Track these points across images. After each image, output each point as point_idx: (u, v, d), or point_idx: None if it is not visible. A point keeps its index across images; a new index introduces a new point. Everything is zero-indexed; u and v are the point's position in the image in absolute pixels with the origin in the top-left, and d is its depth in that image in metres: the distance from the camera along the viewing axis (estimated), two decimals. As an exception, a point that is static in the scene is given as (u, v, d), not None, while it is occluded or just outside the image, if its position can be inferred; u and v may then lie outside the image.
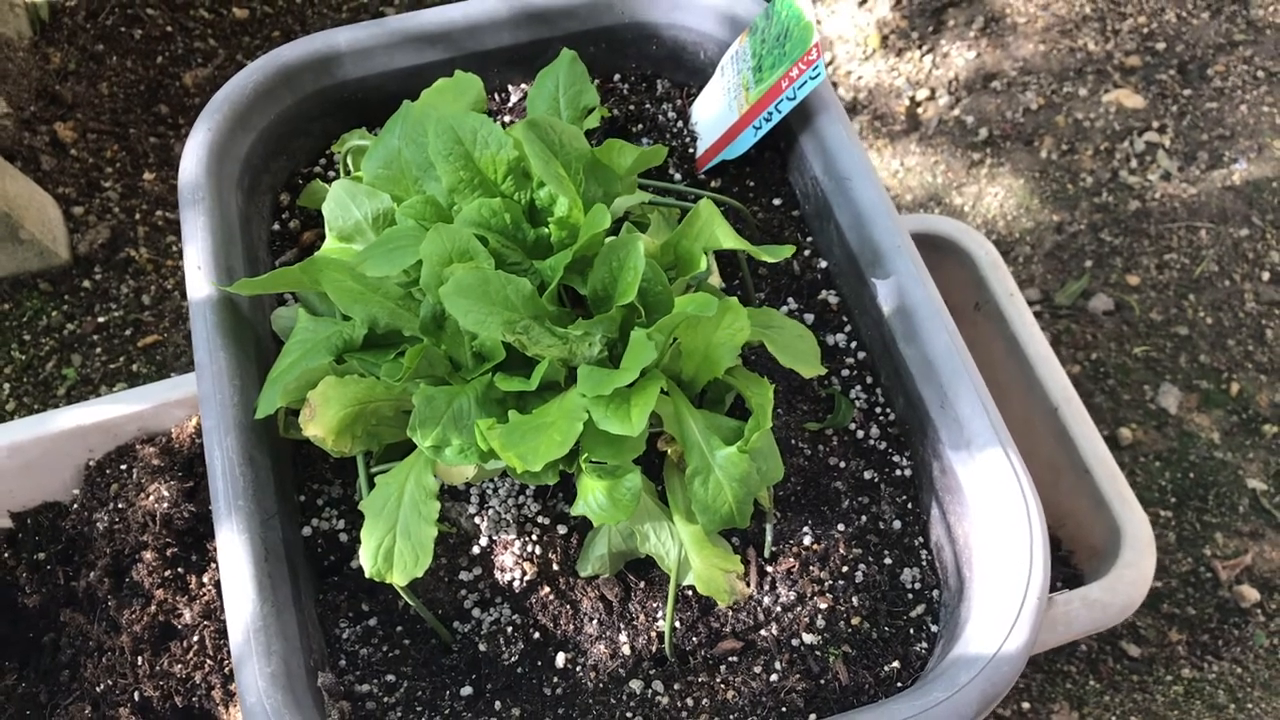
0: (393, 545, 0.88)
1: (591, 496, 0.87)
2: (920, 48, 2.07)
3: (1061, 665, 1.56)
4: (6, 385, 1.71)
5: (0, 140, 1.87)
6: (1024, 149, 1.96)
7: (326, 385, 0.90)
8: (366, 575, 0.87)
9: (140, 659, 1.21)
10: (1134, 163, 1.93)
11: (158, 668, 1.21)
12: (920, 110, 2.02)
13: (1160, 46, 2.03)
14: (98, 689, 1.22)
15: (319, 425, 0.88)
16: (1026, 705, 1.52)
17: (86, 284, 1.79)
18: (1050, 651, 1.57)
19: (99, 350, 1.74)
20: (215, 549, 1.25)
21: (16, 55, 1.97)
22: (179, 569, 1.25)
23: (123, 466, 1.31)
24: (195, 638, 1.21)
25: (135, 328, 1.76)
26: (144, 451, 1.29)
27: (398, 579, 0.87)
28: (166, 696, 1.20)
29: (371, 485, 0.93)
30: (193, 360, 1.75)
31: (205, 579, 1.24)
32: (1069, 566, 1.36)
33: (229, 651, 1.22)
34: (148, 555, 1.24)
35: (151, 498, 1.25)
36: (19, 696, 1.25)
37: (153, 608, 1.22)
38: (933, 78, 2.04)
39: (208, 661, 1.21)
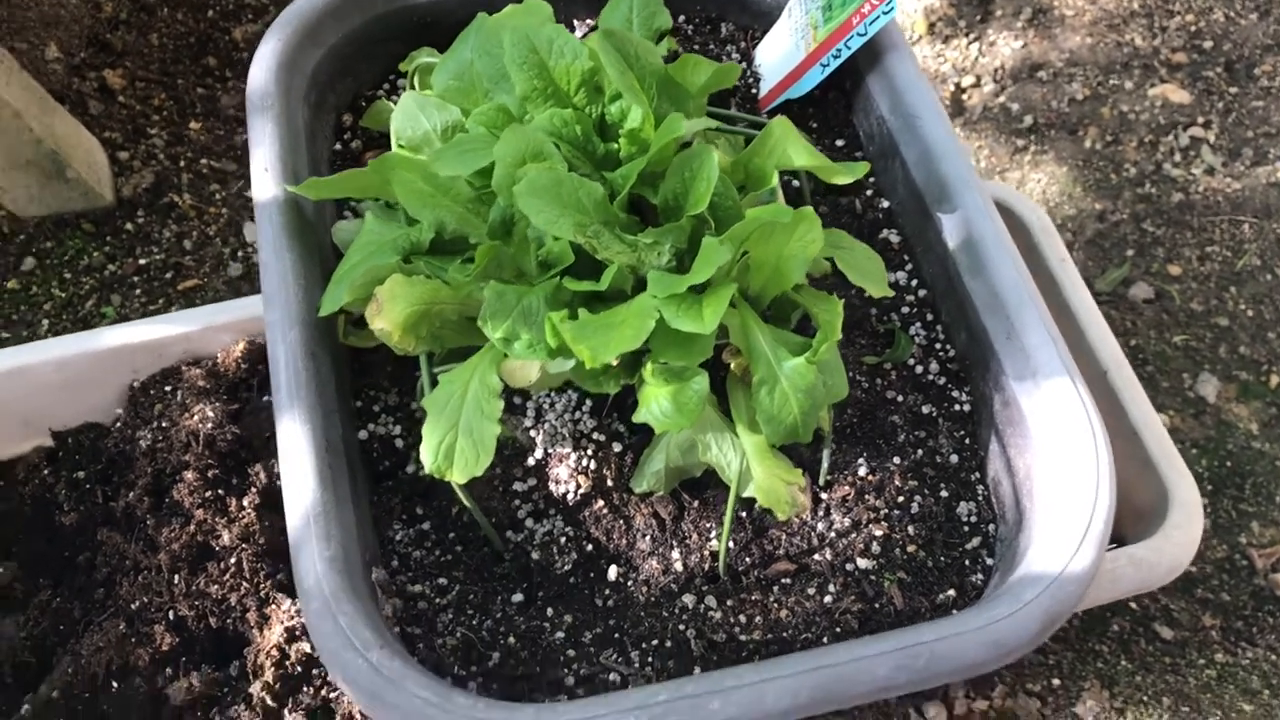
0: (454, 442, 0.87)
1: (655, 404, 0.87)
2: (967, 36, 2.08)
3: (1093, 644, 1.54)
4: (46, 321, 1.71)
5: (50, 84, 1.87)
6: (1068, 138, 1.96)
7: (394, 282, 0.90)
8: (426, 471, 0.87)
9: (176, 578, 1.20)
10: (1178, 156, 1.92)
11: (194, 587, 1.20)
12: (965, 96, 2.02)
13: (1207, 45, 2.03)
14: (132, 606, 1.21)
15: (386, 319, 0.88)
16: (1057, 682, 1.50)
17: (129, 226, 1.79)
18: (1081, 630, 1.56)
19: (138, 291, 1.74)
20: (256, 473, 1.25)
21: (69, 2, 1.98)
22: (219, 490, 1.24)
23: (167, 388, 1.30)
24: (232, 560, 1.21)
25: (175, 271, 1.76)
26: (189, 374, 1.29)
27: (457, 476, 0.87)
28: (201, 616, 1.19)
29: (434, 384, 0.93)
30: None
31: (245, 502, 1.23)
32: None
33: (266, 575, 1.22)
34: (189, 475, 1.24)
35: (195, 418, 1.25)
36: (53, 611, 1.24)
37: (191, 528, 1.22)
38: (979, 65, 2.05)
39: (244, 584, 1.20)
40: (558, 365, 0.88)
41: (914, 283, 1.08)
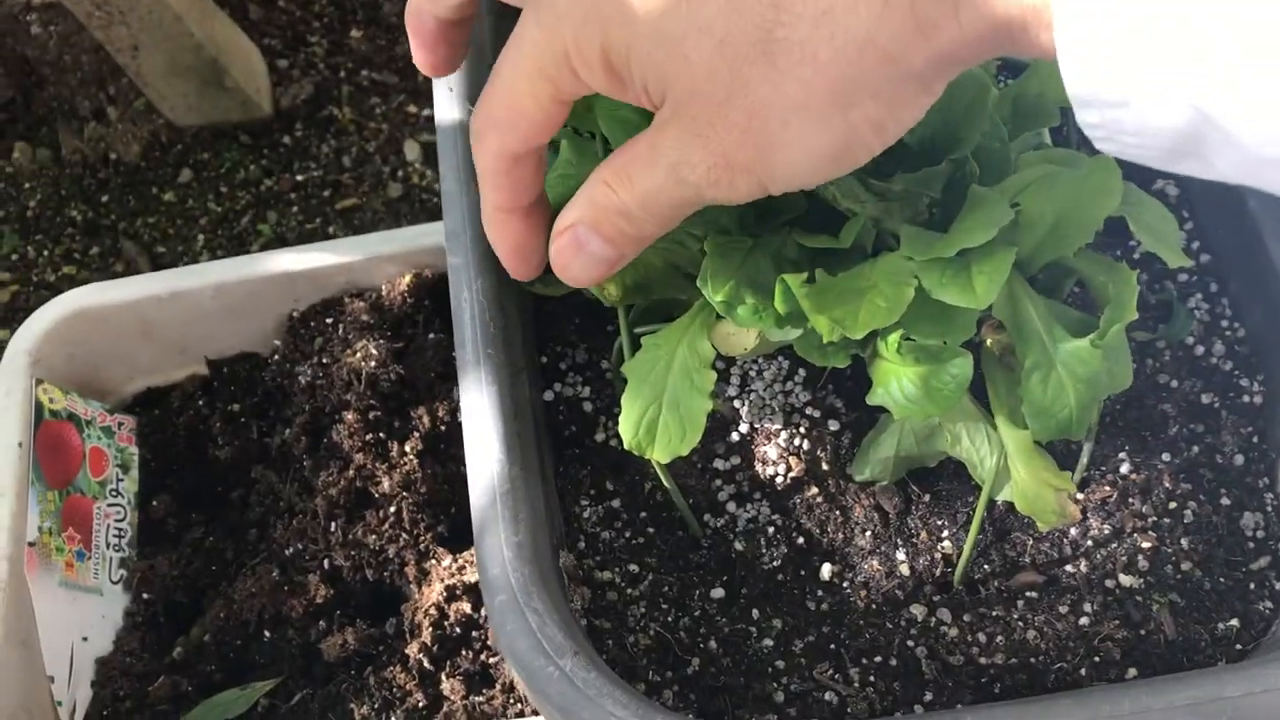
0: (658, 416, 0.75)
1: (896, 384, 0.73)
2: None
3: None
4: (201, 236, 1.65)
5: (210, -14, 1.80)
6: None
7: (597, 225, 0.77)
8: (625, 447, 0.75)
9: (333, 525, 1.13)
10: None
11: (350, 536, 1.12)
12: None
13: None
14: (286, 551, 1.14)
15: (588, 268, 0.76)
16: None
17: (287, 140, 1.72)
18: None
19: (295, 209, 1.67)
20: (419, 417, 1.16)
21: (231, -100, 1.89)
22: (380, 434, 1.16)
23: (328, 320, 1.22)
24: (392, 509, 1.13)
25: (334, 189, 1.68)
26: (352, 306, 1.21)
27: (659, 455, 0.75)
28: (357, 568, 1.12)
29: (635, 348, 0.81)
30: (390, 228, 1.67)
31: (407, 447, 1.15)
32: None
33: (426, 527, 1.13)
34: (349, 416, 1.16)
35: (359, 354, 1.16)
36: (206, 550, 1.18)
37: (350, 472, 1.14)
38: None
39: (403, 535, 1.12)
40: (782, 334, 0.75)
41: (1195, 245, 0.91)
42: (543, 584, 0.72)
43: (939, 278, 0.68)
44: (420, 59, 0.72)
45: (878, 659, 0.78)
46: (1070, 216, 0.73)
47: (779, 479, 0.84)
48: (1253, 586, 0.81)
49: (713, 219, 0.78)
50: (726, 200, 0.60)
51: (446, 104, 0.89)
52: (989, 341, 0.78)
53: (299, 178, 1.66)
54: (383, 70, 1.76)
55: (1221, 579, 0.81)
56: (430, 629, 1.07)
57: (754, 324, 0.72)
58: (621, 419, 0.76)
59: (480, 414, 0.76)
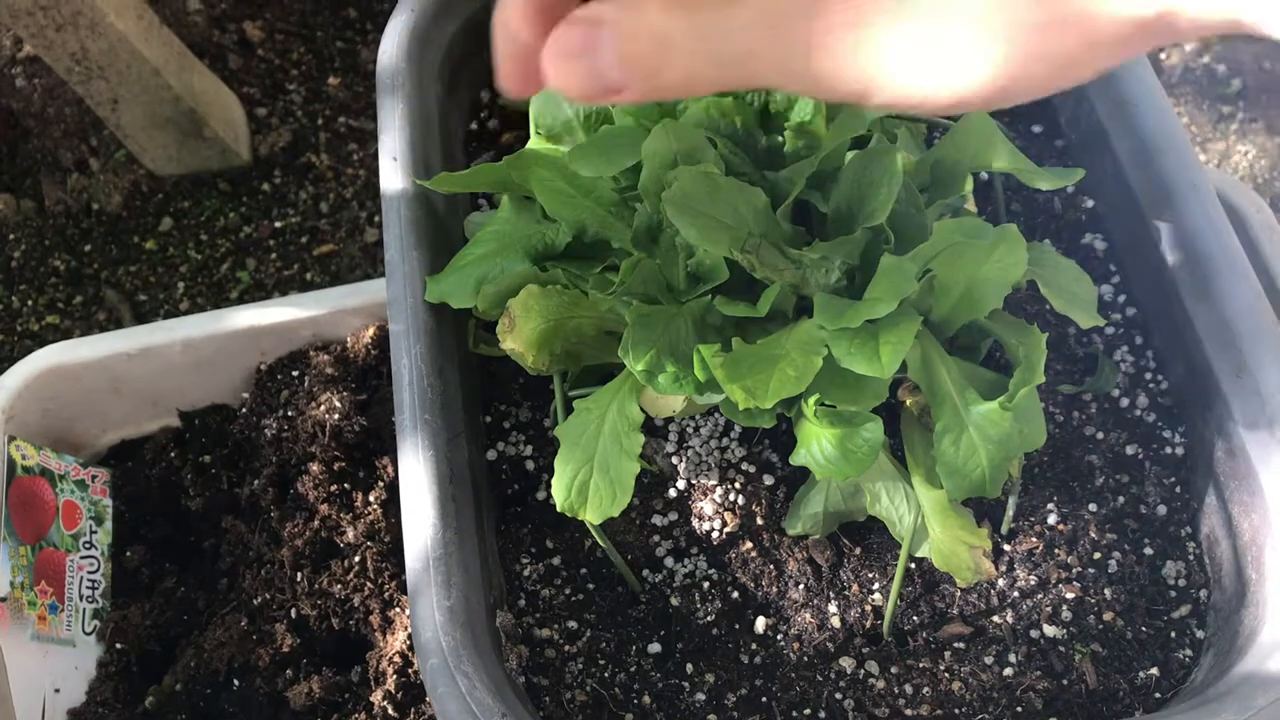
0: (589, 479, 0.78)
1: (816, 446, 0.75)
2: (1167, -14, 1.86)
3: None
4: (181, 284, 1.69)
5: (190, 36, 1.84)
6: (1282, 104, 1.75)
7: (528, 294, 0.80)
8: (558, 509, 0.78)
9: (300, 575, 1.16)
10: None
11: (317, 586, 1.15)
12: (1164, 56, 1.81)
13: None
14: (255, 601, 1.17)
15: (518, 339, 0.79)
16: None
17: (265, 187, 1.75)
18: None
19: (274, 255, 1.70)
20: (384, 467, 1.19)
21: (211, -49, 1.93)
22: (345, 484, 1.19)
23: (294, 372, 1.25)
24: (356, 558, 1.15)
25: (311, 235, 1.72)
26: (317, 359, 1.23)
27: (591, 516, 0.78)
28: (324, 616, 1.14)
29: (569, 410, 0.83)
30: (366, 273, 1.70)
31: (371, 497, 1.17)
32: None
33: (390, 576, 1.16)
34: (314, 467, 1.18)
35: (322, 407, 1.19)
36: (178, 600, 1.21)
37: (316, 523, 1.17)
38: (1179, 20, 1.83)
39: (368, 584, 1.14)
40: (705, 399, 0.78)
41: (1121, 299, 0.94)
42: (474, 647, 0.74)
43: (847, 347, 0.71)
44: (509, 74, 0.54)
45: (807, 711, 0.80)
46: (980, 283, 0.76)
47: (715, 534, 0.87)
48: (1173, 635, 0.83)
49: (639, 286, 0.81)
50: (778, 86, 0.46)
51: (391, 174, 0.92)
52: (908, 402, 0.81)
53: (277, 224, 1.70)
54: (359, 117, 1.79)
55: (1143, 628, 0.83)
56: (394, 676, 1.09)
57: (675, 391, 0.75)
58: (554, 481, 0.78)
59: (415, 480, 0.79)
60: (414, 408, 0.82)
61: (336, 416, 1.18)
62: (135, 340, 1.22)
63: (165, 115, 1.66)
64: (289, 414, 1.22)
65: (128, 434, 1.30)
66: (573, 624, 0.84)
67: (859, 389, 0.73)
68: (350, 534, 1.17)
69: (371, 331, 1.24)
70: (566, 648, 0.83)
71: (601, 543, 0.83)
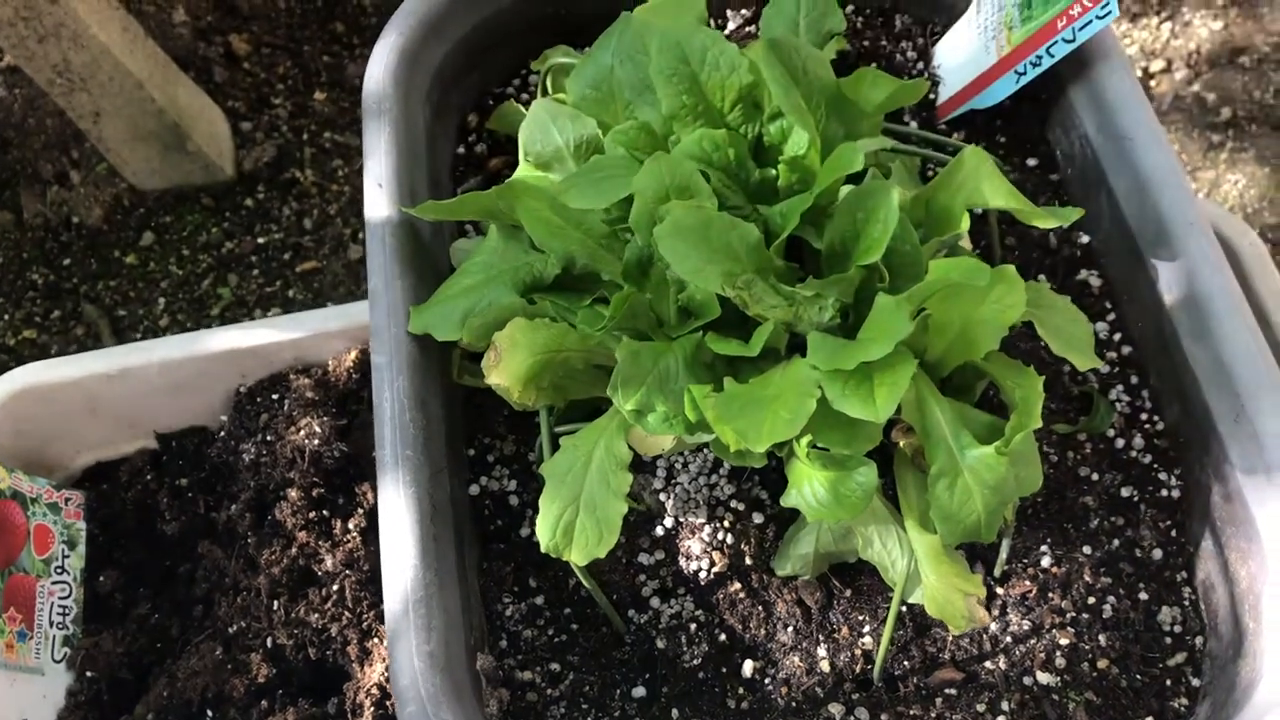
0: (574, 518, 0.76)
1: (809, 487, 0.74)
2: (1159, 14, 1.86)
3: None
4: (162, 300, 1.66)
5: (175, 49, 1.81)
6: (1272, 134, 1.74)
7: (515, 328, 0.78)
8: (542, 549, 0.76)
9: (276, 604, 1.13)
10: (1403, 159, 1.69)
11: (293, 615, 1.12)
12: (1154, 83, 1.81)
13: None
14: (230, 629, 1.14)
15: (504, 373, 0.77)
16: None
17: (249, 202, 1.73)
18: None
19: (256, 272, 1.68)
20: (364, 494, 1.16)
21: (198, -37, 1.91)
22: (324, 511, 1.16)
23: (274, 396, 1.22)
24: (335, 587, 1.13)
25: (294, 252, 1.69)
26: (297, 382, 1.21)
27: (576, 557, 0.76)
28: (300, 646, 1.12)
29: (555, 446, 0.81)
30: (350, 290, 1.68)
31: (350, 525, 1.15)
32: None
33: (369, 605, 1.13)
34: (293, 494, 1.16)
35: (302, 432, 1.16)
36: (151, 627, 1.18)
37: (293, 550, 1.14)
38: (1170, 48, 1.83)
39: (345, 614, 1.12)
40: (695, 438, 0.76)
41: (1117, 337, 0.92)
42: (454, 693, 0.72)
43: (841, 389, 0.69)
44: None
45: (794, 759, 0.78)
46: (976, 324, 0.74)
47: (703, 574, 0.85)
48: (1168, 683, 0.81)
49: (629, 321, 0.79)
50: None
51: (376, 200, 0.90)
52: (902, 443, 0.79)
53: (260, 240, 1.67)
54: (345, 132, 1.77)
55: (1138, 676, 0.81)
56: (372, 709, 1.07)
57: (665, 431, 0.73)
58: (539, 521, 0.76)
59: (396, 518, 0.77)
60: (395, 443, 0.80)
61: (316, 442, 1.16)
62: (112, 361, 1.20)
63: (148, 128, 1.63)
64: (268, 438, 1.19)
65: (103, 456, 1.28)
66: (555, 666, 0.82)
67: (853, 431, 0.71)
68: (329, 562, 1.14)
69: (353, 355, 1.22)
70: (549, 691, 0.81)
71: (587, 583, 0.81)
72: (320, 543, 1.15)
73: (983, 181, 0.78)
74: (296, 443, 1.17)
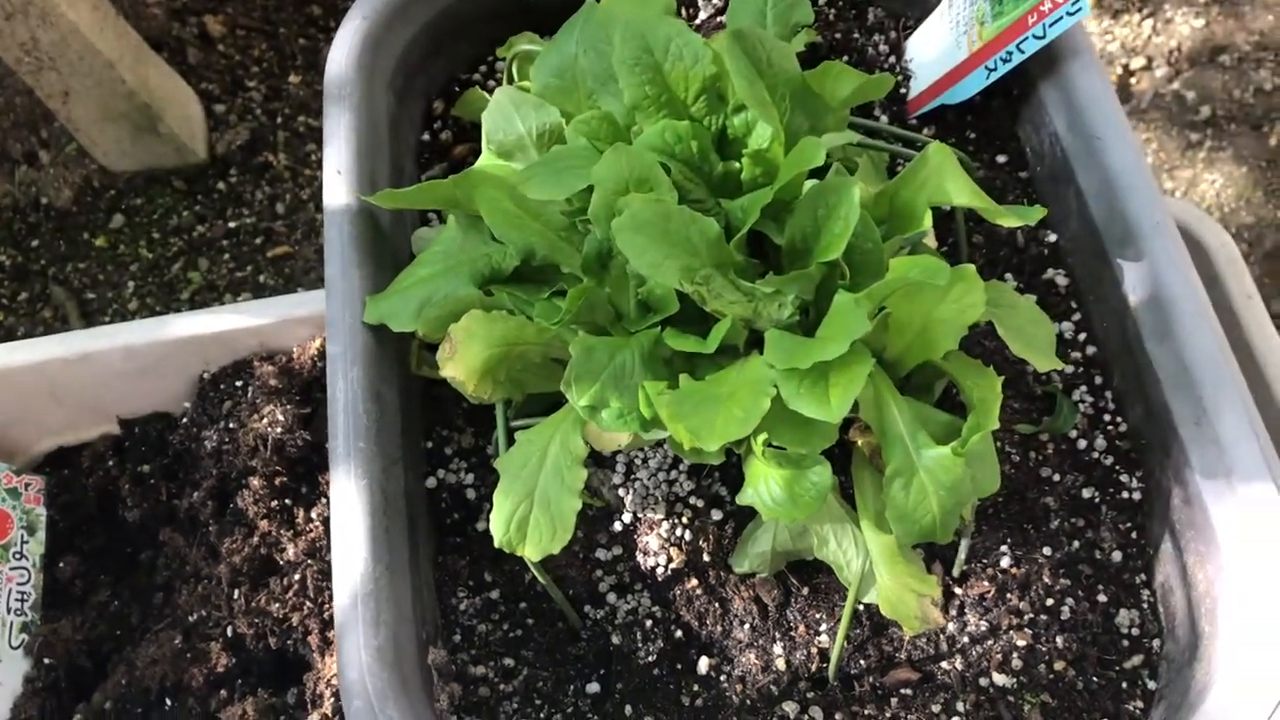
0: (528, 514, 0.75)
1: (764, 485, 0.73)
2: (1140, 11, 1.85)
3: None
4: (131, 284, 1.64)
5: (149, 29, 1.79)
6: (1251, 134, 1.73)
7: (471, 319, 0.77)
8: (495, 544, 0.75)
9: (237, 592, 1.12)
10: (1380, 160, 1.69)
11: (254, 604, 1.11)
12: (1134, 81, 1.80)
13: None
14: (190, 618, 1.13)
15: (459, 366, 0.76)
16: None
17: (221, 186, 1.71)
18: None
19: (227, 256, 1.66)
20: (327, 482, 1.15)
21: (173, -59, 1.89)
22: (286, 500, 1.15)
23: (238, 383, 1.21)
24: (296, 576, 1.11)
25: (266, 236, 1.67)
26: (261, 370, 1.20)
27: (530, 553, 0.75)
28: (260, 636, 1.11)
29: (511, 440, 0.80)
30: (321, 277, 1.66)
31: (313, 514, 1.14)
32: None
33: (330, 595, 1.12)
34: (255, 482, 1.15)
35: (265, 420, 1.15)
36: (111, 614, 1.17)
37: (255, 539, 1.13)
38: (1151, 45, 1.82)
39: (307, 603, 1.11)
40: (652, 434, 0.75)
41: (1082, 337, 0.92)
42: (402, 688, 0.71)
43: (796, 388, 0.68)
44: None
45: (747, 758, 0.78)
46: (936, 323, 0.73)
47: (660, 570, 0.84)
48: (1124, 686, 0.81)
49: (587, 314, 0.78)
50: None
51: (335, 187, 0.88)
52: (860, 442, 0.78)
53: (231, 224, 1.66)
54: (319, 116, 1.74)
55: (1094, 678, 0.81)
56: (332, 699, 1.06)
57: (619, 428, 0.72)
58: (493, 515, 0.76)
59: (347, 510, 0.76)
60: (348, 434, 0.79)
61: (279, 430, 1.15)
62: (75, 345, 1.18)
63: (119, 109, 1.61)
64: (230, 425, 1.18)
65: (65, 441, 1.26)
66: (509, 661, 0.81)
67: (808, 430, 0.70)
68: (290, 551, 1.13)
69: (318, 342, 1.20)
70: (501, 686, 0.80)
71: (541, 579, 0.80)
72: (282, 531, 1.14)
73: (946, 179, 0.77)
74: (259, 430, 1.16)
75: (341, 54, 0.94)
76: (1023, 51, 0.91)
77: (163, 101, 1.65)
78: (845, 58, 1.05)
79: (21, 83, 1.68)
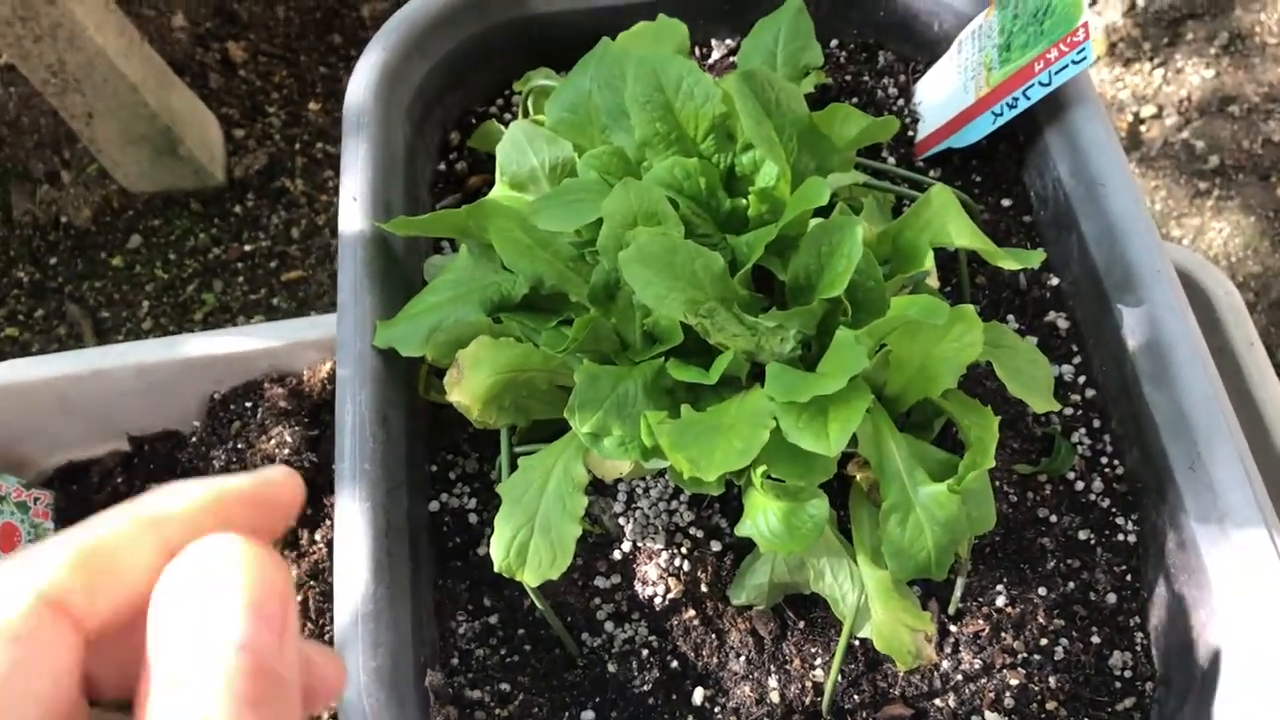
0: (529, 539, 0.76)
1: (763, 518, 0.74)
2: (1151, 60, 1.87)
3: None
4: (146, 303, 1.66)
5: (173, 54, 1.82)
6: (1259, 184, 1.75)
7: (479, 346, 0.79)
8: (495, 569, 0.76)
9: (240, 612, 1.13)
10: (1387, 214, 1.70)
11: (257, 623, 1.12)
12: (1144, 129, 1.82)
13: None
14: (192, 636, 1.14)
15: (465, 391, 0.77)
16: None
17: (238, 209, 1.73)
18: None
19: (241, 279, 1.68)
20: (332, 505, 1.16)
21: (200, -31, 1.92)
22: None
23: (248, 404, 1.22)
24: (299, 597, 1.12)
25: (281, 260, 1.70)
26: (272, 391, 1.21)
27: (529, 578, 0.76)
28: (262, 656, 1.12)
29: (514, 466, 0.81)
30: (334, 301, 1.68)
31: (317, 536, 1.15)
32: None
33: (333, 617, 1.13)
34: (261, 502, 1.16)
35: (273, 442, 1.17)
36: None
37: (259, 559, 1.14)
38: (1162, 94, 1.84)
39: (308, 625, 1.12)
40: (653, 464, 0.76)
41: (1081, 380, 0.93)
42: (400, 709, 0.72)
43: (795, 422, 0.69)
44: None
45: (739, 790, 0.78)
46: (935, 361, 0.74)
47: (658, 599, 0.85)
48: (1117, 728, 0.81)
49: (593, 343, 0.79)
50: None
51: (350, 214, 0.90)
52: (858, 477, 0.79)
53: (247, 248, 1.68)
54: (337, 143, 1.78)
55: (1086, 718, 0.81)
56: (330, 719, 1.06)
57: (620, 456, 0.73)
58: (493, 540, 0.77)
59: (351, 532, 0.77)
60: (354, 456, 0.80)
61: (286, 451, 1.16)
62: (87, 362, 1.20)
63: (140, 132, 1.64)
64: (239, 446, 1.19)
65: (75, 456, 1.28)
66: (505, 686, 0.82)
67: (807, 464, 0.71)
68: (294, 572, 1.14)
69: (328, 366, 1.22)
70: (497, 710, 0.81)
71: (539, 604, 0.81)
72: (286, 553, 1.15)
73: (949, 220, 0.78)
74: (267, 451, 1.17)
75: (361, 84, 0.96)
76: (1029, 98, 0.93)
77: (184, 125, 1.68)
78: (855, 99, 1.06)
79: (46, 104, 1.71)
